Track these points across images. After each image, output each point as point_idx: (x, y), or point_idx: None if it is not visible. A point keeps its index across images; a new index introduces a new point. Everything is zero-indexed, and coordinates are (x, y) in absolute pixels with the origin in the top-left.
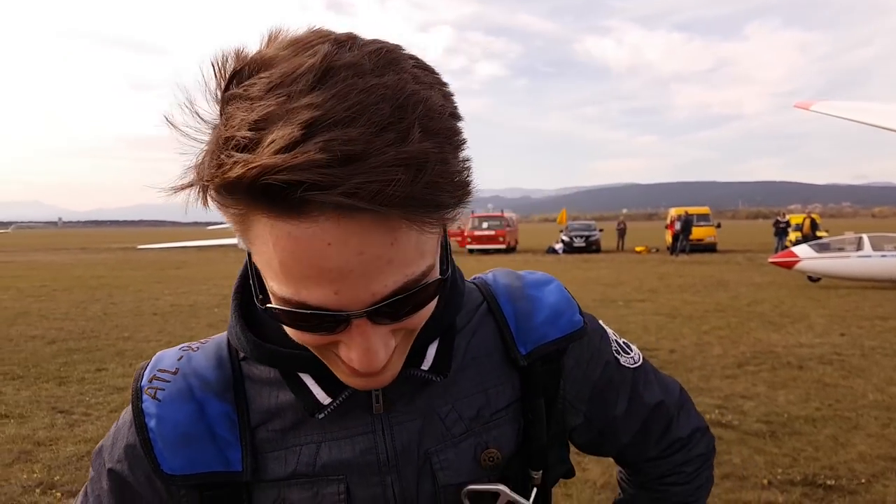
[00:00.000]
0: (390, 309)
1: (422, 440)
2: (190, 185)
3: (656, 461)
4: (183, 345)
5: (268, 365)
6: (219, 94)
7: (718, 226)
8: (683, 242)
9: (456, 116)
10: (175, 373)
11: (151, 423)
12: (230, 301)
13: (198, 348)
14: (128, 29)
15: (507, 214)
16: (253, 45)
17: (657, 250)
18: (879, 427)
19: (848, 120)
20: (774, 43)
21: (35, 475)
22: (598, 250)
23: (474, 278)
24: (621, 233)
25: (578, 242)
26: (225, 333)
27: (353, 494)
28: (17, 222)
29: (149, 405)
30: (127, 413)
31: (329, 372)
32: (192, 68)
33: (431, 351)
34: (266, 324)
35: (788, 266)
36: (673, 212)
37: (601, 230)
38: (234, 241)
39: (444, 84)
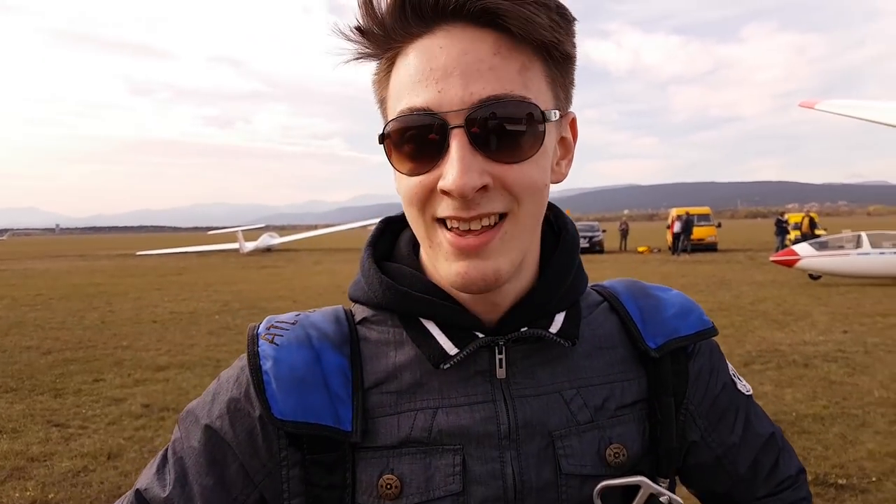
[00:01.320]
0: (487, 116)
1: (545, 419)
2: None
3: (766, 500)
4: (297, 312)
5: (398, 309)
6: None
7: (719, 225)
8: (685, 242)
9: (570, 13)
10: (294, 323)
11: (267, 365)
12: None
13: (313, 311)
14: (127, 32)
15: None
16: (256, 52)
17: (659, 250)
18: (887, 424)
19: (850, 117)
20: (772, 45)
21: (28, 493)
22: (601, 251)
23: (592, 286)
24: (624, 233)
25: (582, 243)
26: (338, 305)
27: (468, 469)
28: (12, 229)
29: (266, 348)
30: (233, 368)
31: (453, 321)
32: (193, 72)
33: (560, 318)
34: (398, 277)
35: (789, 264)
36: (674, 212)
37: (604, 231)
38: (234, 245)
39: None
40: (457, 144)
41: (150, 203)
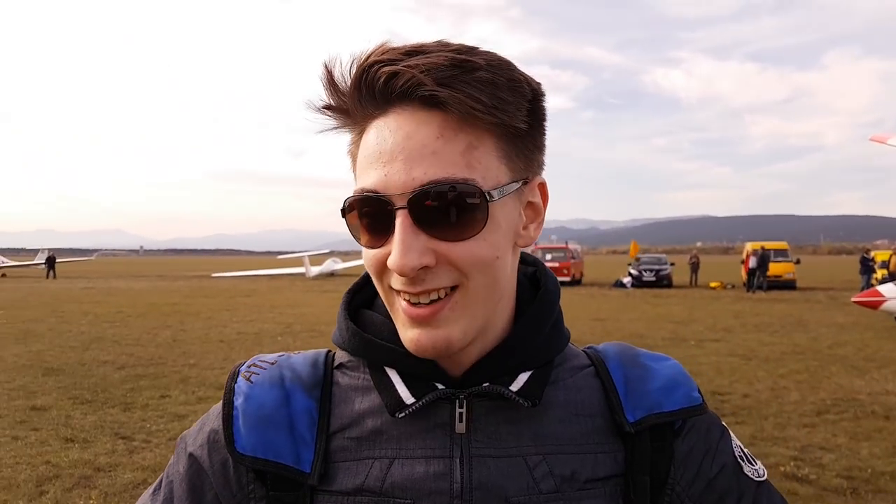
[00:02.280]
0: (428, 200)
1: (503, 483)
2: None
3: None
4: (282, 353)
5: (362, 354)
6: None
7: (797, 262)
8: (760, 279)
9: (529, 84)
10: (273, 363)
11: (238, 401)
12: (339, 304)
13: (298, 353)
14: (210, 65)
15: (571, 246)
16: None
17: (732, 286)
18: None
19: None
20: (854, 72)
21: (91, 502)
22: (669, 285)
23: (585, 348)
24: (694, 267)
25: (648, 276)
26: (324, 349)
27: None
28: (100, 250)
29: (241, 385)
30: (218, 406)
31: (415, 371)
32: (269, 104)
33: (524, 377)
34: (368, 325)
35: (874, 306)
36: (749, 246)
37: (673, 264)
38: (301, 270)
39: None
40: (400, 225)
41: (226, 228)
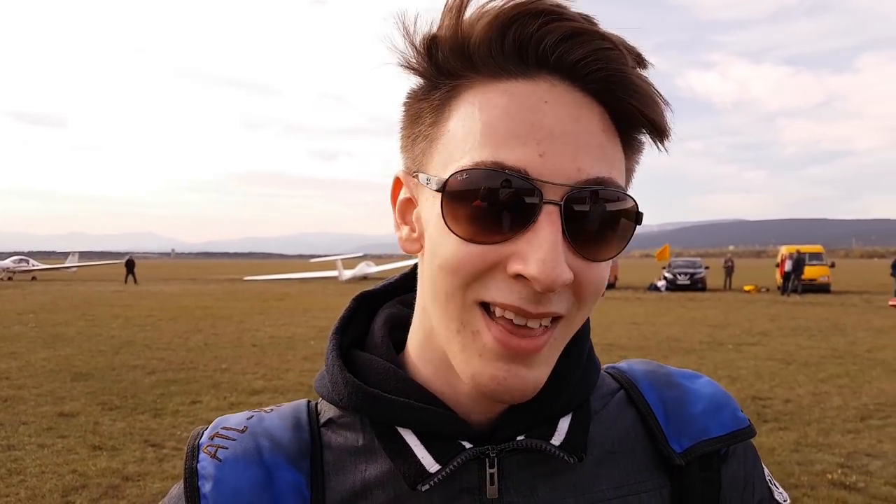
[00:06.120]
0: (590, 200)
1: None
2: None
3: None
4: (252, 410)
5: (367, 413)
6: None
7: (832, 265)
8: (795, 282)
9: None
10: (243, 431)
11: (206, 488)
12: (328, 339)
13: (271, 410)
14: (240, 70)
15: None
16: (359, 89)
17: (767, 290)
18: None
19: None
20: (888, 76)
21: None
22: (703, 288)
23: (607, 368)
24: (729, 271)
25: (682, 280)
26: (303, 400)
27: None
28: (132, 253)
29: (206, 465)
30: (175, 488)
31: (437, 429)
32: (301, 108)
33: (564, 424)
34: (368, 372)
35: None
36: (784, 250)
37: (707, 267)
38: (334, 273)
39: None
40: (550, 224)
41: (259, 231)
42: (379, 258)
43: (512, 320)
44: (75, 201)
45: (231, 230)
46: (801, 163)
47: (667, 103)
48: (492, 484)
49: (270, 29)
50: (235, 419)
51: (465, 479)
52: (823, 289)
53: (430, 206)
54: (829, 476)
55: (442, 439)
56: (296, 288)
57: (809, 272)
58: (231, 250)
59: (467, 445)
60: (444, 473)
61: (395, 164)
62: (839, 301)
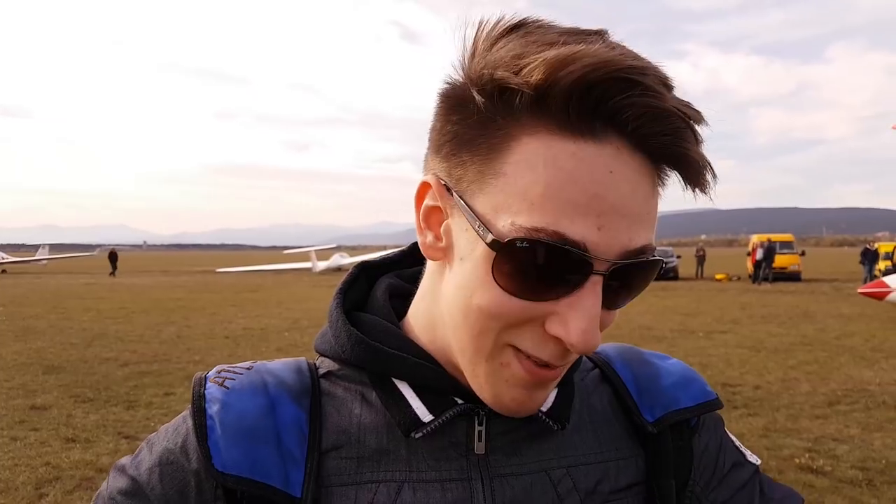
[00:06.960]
0: (631, 270)
1: (529, 503)
2: (463, 88)
3: None
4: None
5: (367, 366)
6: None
7: (802, 253)
8: (766, 270)
9: None
10: (249, 369)
11: (213, 409)
12: (331, 304)
13: (272, 360)
14: (209, 58)
15: None
16: (332, 79)
17: (738, 278)
18: None
19: None
20: (859, 65)
21: None
22: (675, 277)
23: None
24: (700, 260)
25: None
26: (300, 358)
27: None
28: (103, 245)
29: (214, 391)
30: (176, 418)
31: (429, 383)
32: (273, 98)
33: (551, 395)
34: (370, 330)
35: (879, 297)
36: (755, 239)
37: (679, 257)
38: (308, 264)
39: None
40: (594, 295)
41: (231, 222)
42: (353, 249)
43: (538, 358)
44: (46, 193)
45: (203, 222)
46: (772, 152)
47: (714, 175)
48: (479, 440)
49: (239, 17)
50: (239, 364)
51: (454, 434)
52: (794, 277)
53: (469, 238)
54: (797, 461)
55: (436, 393)
56: (269, 280)
57: (780, 261)
58: (203, 242)
59: (459, 402)
60: (436, 424)
61: (370, 155)
62: (809, 289)
